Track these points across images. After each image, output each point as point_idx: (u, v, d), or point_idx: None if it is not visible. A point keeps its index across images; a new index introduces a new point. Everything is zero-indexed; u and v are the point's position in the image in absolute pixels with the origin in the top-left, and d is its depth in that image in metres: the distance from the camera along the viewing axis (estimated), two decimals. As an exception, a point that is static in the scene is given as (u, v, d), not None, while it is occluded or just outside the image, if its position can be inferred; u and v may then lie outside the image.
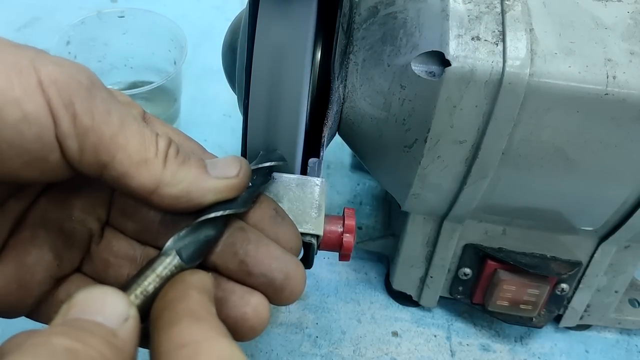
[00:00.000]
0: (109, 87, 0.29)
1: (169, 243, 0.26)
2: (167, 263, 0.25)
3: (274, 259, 0.27)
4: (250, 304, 0.27)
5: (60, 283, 0.29)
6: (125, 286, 0.24)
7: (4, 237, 0.27)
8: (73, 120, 0.23)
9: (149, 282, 0.25)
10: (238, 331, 0.27)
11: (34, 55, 0.23)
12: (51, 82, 0.23)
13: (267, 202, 0.30)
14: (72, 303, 0.21)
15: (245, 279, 0.28)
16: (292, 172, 0.34)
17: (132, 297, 0.24)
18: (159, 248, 0.29)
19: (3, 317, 0.28)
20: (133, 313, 0.22)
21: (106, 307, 0.21)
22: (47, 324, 0.29)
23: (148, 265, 0.25)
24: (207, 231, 0.27)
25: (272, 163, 0.31)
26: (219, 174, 0.27)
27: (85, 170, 0.25)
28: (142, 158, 0.25)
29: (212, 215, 0.27)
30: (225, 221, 0.27)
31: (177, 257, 0.26)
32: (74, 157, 0.24)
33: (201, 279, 0.25)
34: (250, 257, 0.27)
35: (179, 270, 0.26)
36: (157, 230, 0.30)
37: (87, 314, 0.21)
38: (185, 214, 0.27)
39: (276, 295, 0.28)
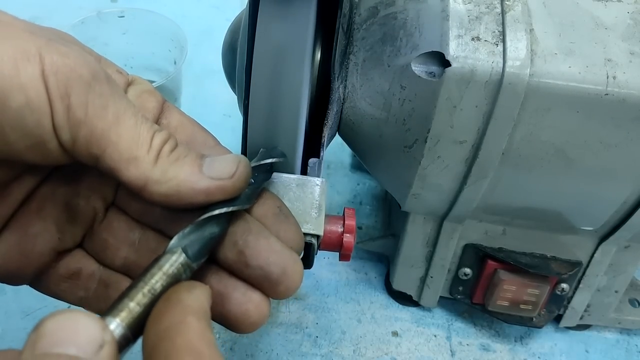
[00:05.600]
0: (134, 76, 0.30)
1: (173, 241, 0.26)
2: (174, 260, 0.25)
3: (272, 252, 0.27)
4: (252, 301, 0.28)
5: (62, 257, 0.30)
6: (132, 284, 0.24)
7: (15, 207, 0.28)
8: (67, 111, 0.24)
9: (157, 280, 0.24)
10: (239, 326, 0.28)
11: (44, 43, 0.24)
12: (52, 72, 0.23)
13: (272, 199, 0.30)
14: (40, 332, 0.20)
15: (243, 270, 0.28)
16: (293, 172, 0.34)
17: (140, 295, 0.24)
18: (160, 232, 0.30)
19: (6, 282, 0.29)
20: (108, 338, 0.21)
21: (79, 336, 0.20)
22: (46, 294, 0.30)
23: (154, 263, 0.25)
24: (211, 229, 0.27)
25: (273, 160, 0.31)
26: (214, 174, 0.27)
27: (80, 160, 0.25)
28: (131, 155, 0.25)
29: (216, 212, 0.26)
30: (228, 218, 0.27)
31: (184, 255, 0.25)
32: (67, 147, 0.25)
33: (198, 298, 0.24)
34: (249, 248, 0.27)
35: (185, 269, 0.25)
36: (160, 213, 0.30)
37: (57, 346, 0.20)
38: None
39: (272, 289, 0.28)
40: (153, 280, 0.24)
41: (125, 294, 0.24)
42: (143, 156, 0.25)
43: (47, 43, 0.24)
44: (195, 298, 0.24)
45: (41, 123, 0.24)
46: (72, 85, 0.24)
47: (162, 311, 0.23)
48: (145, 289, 0.24)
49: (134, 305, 0.23)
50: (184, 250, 0.25)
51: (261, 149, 0.33)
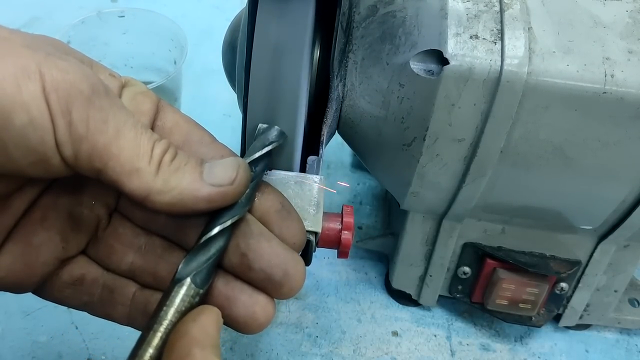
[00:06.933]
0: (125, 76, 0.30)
1: (181, 267, 0.27)
2: (184, 294, 0.26)
3: (274, 255, 0.28)
4: (259, 303, 0.28)
5: (65, 264, 0.30)
6: (149, 326, 0.25)
7: (17, 218, 0.28)
8: (69, 127, 0.24)
9: (171, 320, 0.25)
10: (247, 328, 0.28)
11: (43, 59, 0.24)
12: (53, 89, 0.24)
13: (274, 194, 0.30)
14: None
15: (246, 273, 0.28)
16: (291, 168, 0.34)
17: (158, 339, 0.25)
18: (166, 237, 0.30)
19: (10, 292, 0.29)
20: None
21: None
22: (50, 300, 0.31)
23: (165, 299, 0.26)
24: (217, 244, 0.27)
25: (271, 147, 0.31)
26: (214, 180, 0.27)
27: (82, 173, 0.25)
28: (133, 167, 0.25)
29: (218, 229, 0.27)
30: (231, 225, 0.28)
31: (193, 286, 0.26)
32: (69, 162, 0.25)
33: (202, 326, 0.25)
34: (251, 251, 0.28)
35: (195, 297, 0.26)
36: (164, 220, 0.30)
37: None
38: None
39: (275, 290, 0.28)
40: (167, 322, 0.25)
41: (144, 340, 0.25)
42: (145, 167, 0.26)
43: (45, 58, 0.24)
44: (200, 327, 0.25)
45: (44, 140, 0.24)
46: (72, 101, 0.24)
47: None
48: (162, 331, 0.25)
49: (153, 351, 0.25)
50: (193, 281, 0.26)
51: (259, 125, 0.32)
